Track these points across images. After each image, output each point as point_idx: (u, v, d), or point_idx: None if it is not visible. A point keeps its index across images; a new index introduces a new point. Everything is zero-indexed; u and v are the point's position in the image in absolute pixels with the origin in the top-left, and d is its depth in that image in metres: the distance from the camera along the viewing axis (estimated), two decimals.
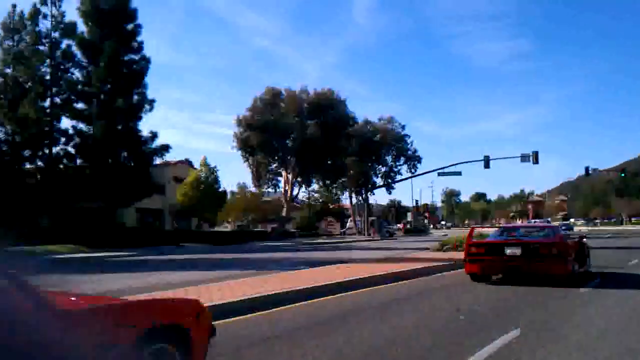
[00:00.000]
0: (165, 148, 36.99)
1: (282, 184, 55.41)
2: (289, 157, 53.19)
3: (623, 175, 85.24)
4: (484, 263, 13.21)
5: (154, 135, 36.99)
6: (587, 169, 79.47)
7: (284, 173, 54.42)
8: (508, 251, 12.87)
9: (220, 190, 46.77)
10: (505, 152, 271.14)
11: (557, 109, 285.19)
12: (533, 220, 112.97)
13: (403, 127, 68.87)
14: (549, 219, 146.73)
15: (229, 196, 60.92)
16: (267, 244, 43.59)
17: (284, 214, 54.34)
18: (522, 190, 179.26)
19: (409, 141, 69.18)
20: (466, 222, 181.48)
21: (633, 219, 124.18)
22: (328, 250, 31.35)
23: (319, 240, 48.60)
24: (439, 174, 64.04)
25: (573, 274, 12.83)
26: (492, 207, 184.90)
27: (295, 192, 56.91)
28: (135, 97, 36.97)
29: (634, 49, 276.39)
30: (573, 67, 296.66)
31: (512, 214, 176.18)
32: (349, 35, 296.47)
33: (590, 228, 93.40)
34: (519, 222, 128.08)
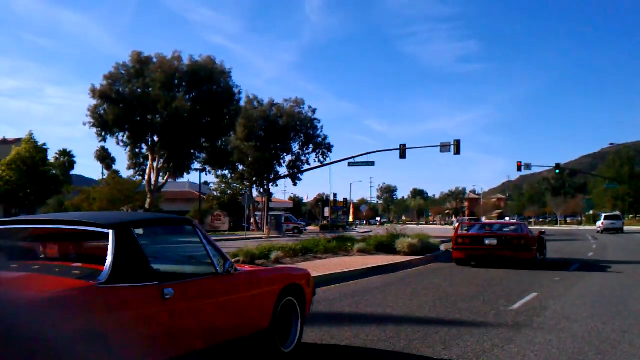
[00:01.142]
0: None
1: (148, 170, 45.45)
2: (154, 137, 43.40)
3: (557, 172, 78.94)
4: (468, 251, 16.99)
5: None
6: (519, 164, 73.59)
7: (150, 156, 44.56)
8: (487, 242, 16.83)
9: (51, 173, 36.83)
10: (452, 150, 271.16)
11: (503, 110, 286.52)
12: (466, 218, 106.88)
13: (314, 110, 60.06)
14: (484, 218, 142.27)
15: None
16: None
17: (147, 205, 44.56)
18: (457, 188, 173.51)
19: (319, 126, 60.50)
20: (404, 218, 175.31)
21: (568, 219, 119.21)
22: None
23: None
24: (349, 164, 56.38)
25: (535, 259, 16.57)
26: (429, 204, 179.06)
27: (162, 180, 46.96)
28: None
29: (576, 55, 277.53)
30: (518, 70, 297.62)
31: (447, 211, 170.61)
32: (303, 35, 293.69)
33: None
34: (453, 219, 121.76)
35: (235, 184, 62.25)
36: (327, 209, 79.14)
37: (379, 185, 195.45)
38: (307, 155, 60.24)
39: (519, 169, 72.22)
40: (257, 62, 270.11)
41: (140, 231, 4.51)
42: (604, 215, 58.40)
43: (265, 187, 59.93)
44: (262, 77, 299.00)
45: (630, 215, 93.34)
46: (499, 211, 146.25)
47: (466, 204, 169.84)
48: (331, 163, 57.89)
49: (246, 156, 56.34)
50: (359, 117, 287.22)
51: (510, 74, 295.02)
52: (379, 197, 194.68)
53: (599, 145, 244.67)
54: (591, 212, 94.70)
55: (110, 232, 4.14)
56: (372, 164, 54.88)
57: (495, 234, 17.36)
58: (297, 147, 59.87)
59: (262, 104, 58.91)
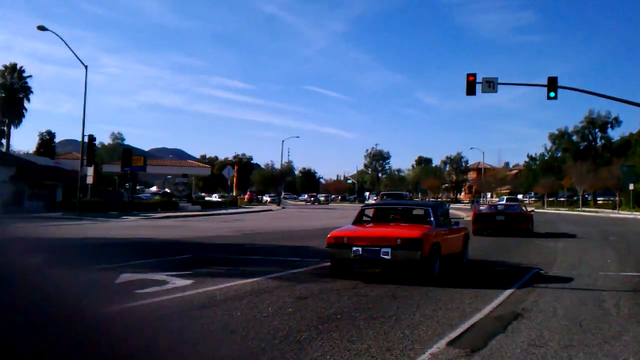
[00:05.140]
0: None
1: None
2: None
3: (552, 95, 37.37)
4: (483, 224, 23.74)
5: None
6: (471, 78, 36.60)
7: None
8: (497, 217, 23.98)
9: None
10: (505, 127, 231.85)
11: (561, 83, 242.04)
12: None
13: None
14: (489, 194, 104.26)
15: None
16: None
17: None
18: (458, 154, 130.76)
19: None
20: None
21: (599, 198, 76.85)
22: None
23: None
24: None
25: (531, 230, 23.92)
26: (423, 175, 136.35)
27: None
28: None
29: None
30: (577, 42, 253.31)
31: (445, 185, 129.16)
32: (355, 4, 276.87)
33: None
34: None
35: None
36: (89, 171, 39.24)
37: (367, 150, 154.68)
38: None
39: (470, 91, 34.92)
40: (307, 32, 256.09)
41: (437, 208, 13.10)
42: (505, 197, 71.84)
43: None
44: (312, 47, 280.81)
45: None
46: (508, 188, 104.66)
47: (472, 175, 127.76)
48: None
49: None
50: (409, 89, 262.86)
51: (569, 46, 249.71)
52: (366, 166, 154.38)
53: None
54: (631, 186, 52.81)
55: (430, 208, 12.67)
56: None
57: (502, 212, 24.81)
58: None
59: None
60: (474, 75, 34.59)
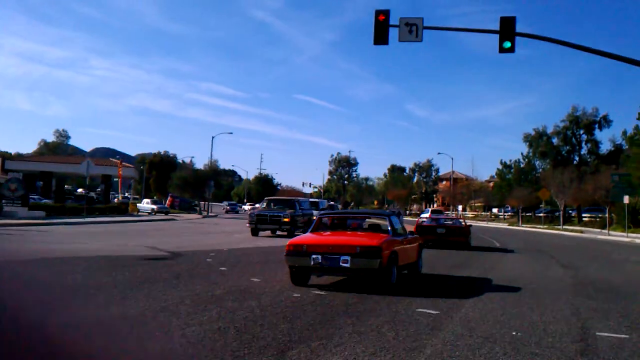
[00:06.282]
0: None
1: None
2: None
3: (508, 46, 23.73)
4: (425, 237, 21.86)
5: None
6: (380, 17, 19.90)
7: None
8: (438, 230, 24.49)
9: None
10: (495, 141, 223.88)
11: (550, 100, 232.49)
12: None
13: None
14: (459, 206, 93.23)
15: None
16: None
17: None
18: (428, 161, 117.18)
19: None
20: (376, 204, 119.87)
21: (585, 215, 63.19)
22: None
23: None
24: None
25: (470, 243, 24.29)
26: (388, 185, 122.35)
27: None
28: None
29: (626, 44, 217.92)
30: (568, 57, 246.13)
31: (413, 196, 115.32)
32: (346, 14, 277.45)
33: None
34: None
35: None
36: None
37: (332, 155, 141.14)
38: None
39: (379, 38, 20.85)
40: (298, 40, 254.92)
41: (394, 218, 12.69)
42: (430, 209, 68.51)
43: None
44: (304, 55, 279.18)
45: None
46: (480, 200, 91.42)
47: (442, 186, 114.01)
48: None
49: None
50: (400, 100, 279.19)
51: (561, 60, 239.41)
52: (331, 173, 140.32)
53: None
54: (626, 199, 39.32)
55: (387, 217, 12.70)
56: None
57: (443, 225, 25.35)
58: None
59: None
60: (386, 13, 21.82)
